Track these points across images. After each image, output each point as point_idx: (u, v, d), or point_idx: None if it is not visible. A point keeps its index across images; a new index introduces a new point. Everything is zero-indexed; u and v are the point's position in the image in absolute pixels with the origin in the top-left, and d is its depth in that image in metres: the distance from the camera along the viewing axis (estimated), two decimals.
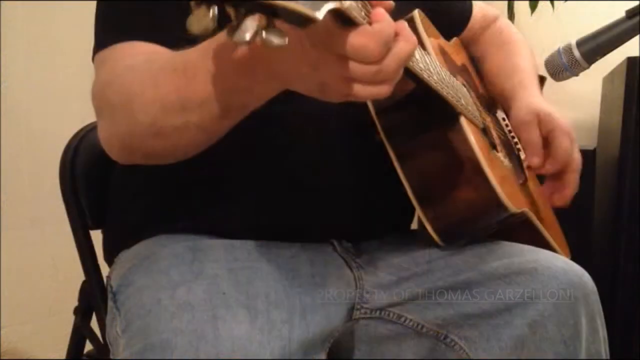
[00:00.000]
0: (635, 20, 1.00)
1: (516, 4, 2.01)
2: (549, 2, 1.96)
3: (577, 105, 2.10)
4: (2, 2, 1.71)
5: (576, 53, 1.03)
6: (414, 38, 0.61)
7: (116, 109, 0.72)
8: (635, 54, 1.56)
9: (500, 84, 1.09)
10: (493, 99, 1.11)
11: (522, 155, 1.09)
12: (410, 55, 0.61)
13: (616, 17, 1.02)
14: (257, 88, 0.63)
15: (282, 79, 0.61)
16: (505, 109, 1.08)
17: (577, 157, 0.99)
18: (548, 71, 1.08)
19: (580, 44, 1.03)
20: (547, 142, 0.98)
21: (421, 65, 0.72)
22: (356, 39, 0.55)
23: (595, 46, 1.03)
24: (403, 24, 0.60)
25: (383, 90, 0.60)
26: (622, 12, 1.02)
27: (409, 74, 0.70)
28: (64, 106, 1.76)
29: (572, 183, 0.98)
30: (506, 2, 2.00)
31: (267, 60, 0.59)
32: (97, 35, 0.80)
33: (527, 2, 1.98)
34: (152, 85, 0.68)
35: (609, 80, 1.89)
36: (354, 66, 0.56)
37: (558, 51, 1.05)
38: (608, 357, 0.85)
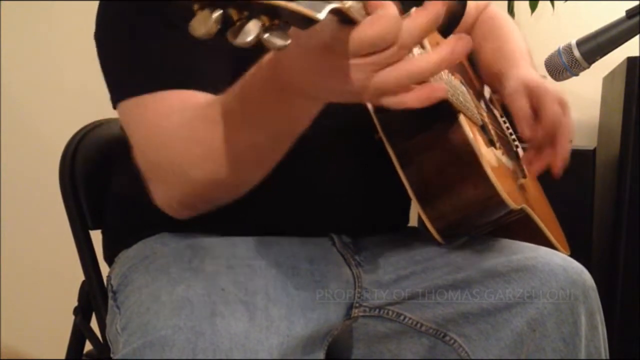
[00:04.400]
0: (635, 20, 1.00)
1: (516, 4, 2.01)
2: (549, 2, 1.96)
3: (577, 105, 2.08)
4: (2, 2, 1.71)
5: (576, 53, 1.03)
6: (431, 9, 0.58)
7: (167, 173, 0.74)
8: (635, 54, 1.56)
9: (494, 67, 1.07)
10: (491, 96, 1.11)
11: (521, 153, 1.09)
12: (430, 24, 0.58)
13: (616, 17, 1.03)
14: (296, 112, 0.65)
15: (313, 95, 0.62)
16: (499, 90, 1.06)
17: (568, 122, 0.96)
18: (548, 71, 1.08)
19: (580, 44, 1.03)
20: (537, 111, 0.96)
21: None
22: (363, 34, 0.54)
23: (595, 46, 1.03)
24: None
25: (409, 71, 0.58)
26: (622, 12, 1.02)
27: None
28: (64, 106, 1.77)
29: (563, 147, 0.95)
30: (506, 2, 2.00)
31: (291, 84, 0.60)
32: (117, 82, 0.78)
33: (527, 2, 1.98)
34: (195, 142, 0.70)
35: (609, 80, 1.89)
36: (373, 58, 0.56)
37: (558, 51, 1.05)
38: (607, 355, 0.86)
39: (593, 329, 0.83)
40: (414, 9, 0.91)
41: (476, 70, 1.13)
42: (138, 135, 0.76)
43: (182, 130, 0.71)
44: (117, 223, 0.93)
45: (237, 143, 0.68)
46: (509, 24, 1.17)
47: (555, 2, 1.97)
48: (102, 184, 0.98)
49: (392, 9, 0.56)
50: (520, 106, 0.96)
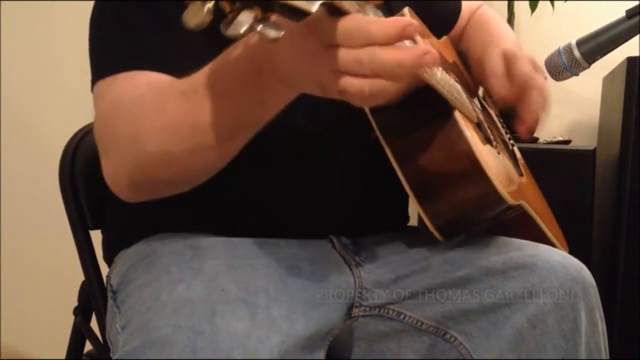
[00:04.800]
0: (635, 20, 1.00)
1: (516, 4, 2.01)
2: (549, 2, 1.96)
3: (577, 105, 2.10)
4: (2, 2, 1.71)
5: (576, 53, 1.03)
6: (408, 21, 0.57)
7: (122, 142, 0.71)
8: (635, 54, 1.56)
9: (479, 55, 1.07)
10: (486, 97, 1.11)
11: (517, 152, 1.09)
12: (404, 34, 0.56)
13: (616, 17, 1.03)
14: (271, 98, 0.63)
15: (290, 82, 0.61)
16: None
17: (540, 82, 0.96)
18: (548, 71, 1.08)
19: (580, 44, 1.03)
20: (509, 72, 0.97)
21: None
22: (344, 22, 0.54)
23: (595, 46, 1.03)
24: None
25: (375, 85, 0.55)
26: (622, 12, 1.02)
27: None
28: (64, 106, 1.77)
29: (532, 104, 0.95)
30: (506, 2, 2.00)
31: (271, 66, 0.59)
32: (95, 65, 0.79)
33: (527, 2, 1.98)
34: (159, 111, 0.67)
35: (609, 80, 1.90)
36: (342, 53, 0.54)
37: (558, 51, 1.05)
38: (607, 351, 0.86)
39: (593, 326, 0.83)
40: (406, 8, 0.92)
41: (470, 70, 1.13)
42: (104, 108, 0.74)
43: (145, 100, 0.69)
44: (117, 223, 0.93)
45: (200, 120, 0.65)
46: (498, 22, 1.17)
47: (555, 2, 1.97)
48: (102, 184, 0.97)
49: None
50: (493, 65, 0.97)
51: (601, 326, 0.85)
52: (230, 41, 0.55)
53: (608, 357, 0.86)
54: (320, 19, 0.54)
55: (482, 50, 1.05)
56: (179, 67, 0.69)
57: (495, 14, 1.20)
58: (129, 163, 0.71)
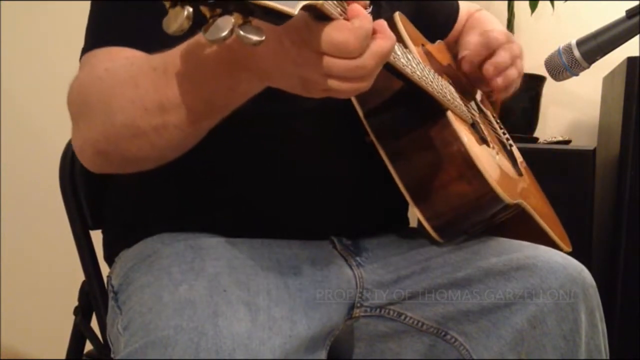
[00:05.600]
0: (635, 20, 1.00)
1: (516, 4, 2.01)
2: (549, 2, 1.96)
3: (577, 105, 2.10)
4: (2, 2, 1.71)
5: (576, 53, 1.03)
6: (392, 35, 0.61)
7: (93, 112, 0.70)
8: (635, 54, 1.56)
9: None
10: (482, 98, 1.11)
11: (516, 152, 1.09)
12: (389, 52, 0.61)
13: (616, 17, 1.03)
14: (240, 87, 0.63)
15: (265, 77, 0.61)
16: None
17: (515, 45, 0.96)
18: (548, 71, 1.08)
19: (580, 44, 1.03)
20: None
21: (403, 60, 0.72)
22: (336, 35, 0.55)
23: (595, 46, 1.03)
24: (382, 22, 0.60)
25: (362, 86, 0.60)
26: (622, 12, 1.02)
27: (391, 69, 0.70)
28: (64, 106, 1.76)
29: (501, 57, 0.94)
30: (506, 2, 2.00)
31: (250, 59, 0.59)
32: (84, 41, 0.80)
33: (527, 2, 1.98)
34: (131, 85, 0.67)
35: (609, 80, 1.90)
36: (333, 62, 0.56)
37: (558, 51, 1.05)
38: (607, 352, 0.86)
39: (593, 327, 0.83)
40: (396, 13, 0.91)
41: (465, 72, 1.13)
42: (80, 78, 0.74)
43: (119, 72, 0.69)
44: (117, 223, 0.93)
45: (167, 98, 0.64)
46: (493, 20, 1.17)
47: (555, 2, 1.97)
48: (102, 184, 0.98)
49: (367, 23, 0.57)
50: (469, 38, 0.97)
51: (601, 327, 0.85)
52: None
53: (608, 358, 0.86)
54: (309, 27, 0.55)
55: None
56: (163, 46, 0.68)
57: (490, 15, 1.19)
58: (98, 132, 0.70)
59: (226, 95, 0.64)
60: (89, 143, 0.72)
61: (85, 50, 0.78)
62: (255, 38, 0.49)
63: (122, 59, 0.72)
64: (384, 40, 0.60)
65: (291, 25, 0.54)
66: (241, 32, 0.49)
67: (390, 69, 0.70)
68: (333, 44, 0.56)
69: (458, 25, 1.16)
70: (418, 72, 0.76)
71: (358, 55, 0.57)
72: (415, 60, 0.77)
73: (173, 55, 0.64)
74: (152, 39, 0.67)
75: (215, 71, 0.62)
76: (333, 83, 0.58)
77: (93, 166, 0.75)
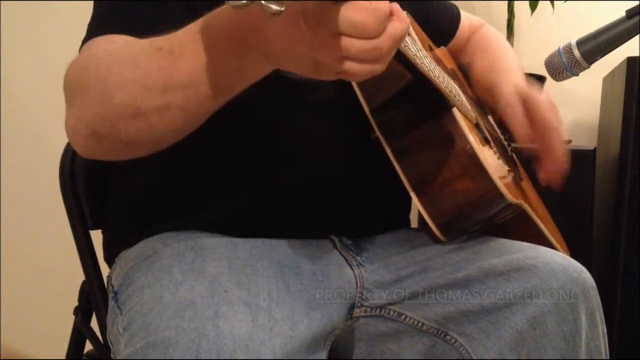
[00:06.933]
0: (635, 20, 1.00)
1: (516, 4, 2.01)
2: (549, 2, 1.96)
3: (577, 105, 2.10)
4: (2, 2, 1.71)
5: (576, 53, 1.03)
6: (406, 18, 0.60)
7: (90, 91, 0.68)
8: (635, 54, 1.56)
9: (486, 81, 1.07)
10: (482, 103, 1.12)
11: (515, 157, 1.09)
12: (405, 34, 0.60)
13: (616, 17, 1.03)
14: (249, 69, 0.62)
15: (276, 60, 0.60)
16: (491, 103, 1.06)
17: (560, 125, 0.97)
18: (548, 71, 1.08)
19: (580, 44, 1.03)
20: (530, 116, 0.96)
21: (412, 50, 0.72)
22: (355, 15, 0.54)
23: (595, 46, 1.03)
24: (395, 5, 0.60)
25: (376, 69, 0.59)
26: (622, 12, 1.02)
27: (402, 58, 0.70)
28: (64, 106, 1.76)
29: (555, 147, 0.96)
30: (506, 2, 2.00)
31: (261, 41, 0.59)
32: (86, 32, 0.79)
33: (527, 2, 1.98)
34: (132, 64, 0.65)
35: (609, 80, 1.90)
36: (350, 42, 0.56)
37: (558, 51, 1.05)
38: (607, 353, 0.86)
39: (593, 327, 0.83)
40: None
41: (468, 81, 1.14)
42: (78, 61, 0.73)
43: (120, 53, 0.68)
44: (117, 223, 0.93)
45: (172, 78, 0.63)
46: (501, 42, 1.17)
47: (555, 2, 1.97)
48: (102, 184, 0.98)
49: (384, 5, 0.56)
50: (513, 108, 0.96)
51: (601, 327, 0.85)
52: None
53: (608, 358, 0.86)
54: (326, 9, 0.54)
55: (490, 77, 1.05)
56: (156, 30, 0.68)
57: (499, 35, 1.20)
58: (94, 113, 0.68)
59: (233, 76, 0.63)
60: (83, 123, 0.69)
61: (85, 40, 0.77)
62: (275, 7, 0.48)
63: (122, 42, 0.71)
64: (400, 22, 0.59)
65: (307, 9, 0.53)
66: (262, 1, 0.48)
67: (400, 58, 0.69)
68: (352, 24, 0.55)
69: (460, 34, 1.16)
70: (426, 64, 0.76)
71: (376, 36, 0.56)
72: (422, 53, 0.77)
73: (180, 36, 0.64)
74: (154, 29, 0.67)
75: (224, 51, 0.61)
76: (348, 65, 0.57)
77: (84, 149, 0.72)
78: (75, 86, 0.70)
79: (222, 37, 0.60)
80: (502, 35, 1.20)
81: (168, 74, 0.64)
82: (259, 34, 0.58)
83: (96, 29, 0.77)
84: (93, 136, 0.69)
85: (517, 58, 1.13)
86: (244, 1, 0.47)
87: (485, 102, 1.10)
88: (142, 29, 0.71)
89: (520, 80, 1.03)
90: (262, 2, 0.48)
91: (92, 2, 0.81)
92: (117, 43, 0.71)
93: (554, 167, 0.97)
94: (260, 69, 0.63)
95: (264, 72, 0.64)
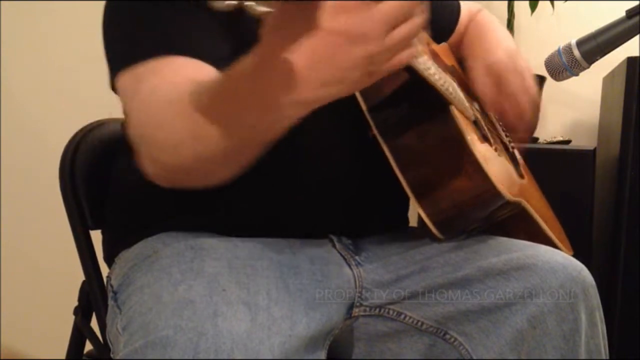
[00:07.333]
0: (635, 20, 1.00)
1: (516, 4, 2.01)
2: (549, 2, 1.96)
3: (577, 105, 2.10)
4: (2, 2, 1.71)
5: (576, 53, 1.03)
6: None
7: (154, 148, 0.71)
8: (635, 54, 1.56)
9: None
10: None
11: (518, 155, 1.09)
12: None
13: (616, 17, 1.03)
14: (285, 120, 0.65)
15: (318, 92, 0.60)
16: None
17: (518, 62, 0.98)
18: (548, 71, 1.08)
19: (580, 43, 1.04)
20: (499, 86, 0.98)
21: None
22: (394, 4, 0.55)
23: (595, 46, 1.03)
24: None
25: (412, 53, 0.60)
26: (622, 12, 1.02)
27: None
28: (64, 106, 1.77)
29: (523, 106, 0.98)
30: (506, 2, 2.00)
31: (289, 84, 0.58)
32: (115, 56, 0.78)
33: (527, 2, 1.98)
34: (187, 121, 0.67)
35: (609, 80, 1.90)
36: (399, 33, 0.57)
37: (558, 51, 1.05)
38: (607, 352, 0.86)
39: (593, 327, 0.83)
40: None
41: (468, 75, 1.13)
42: (131, 108, 0.74)
43: (173, 107, 0.68)
44: (117, 223, 0.93)
45: (230, 125, 0.65)
46: (495, 27, 1.17)
47: (555, 2, 1.97)
48: (102, 184, 0.98)
49: None
50: (480, 83, 0.99)
51: (601, 327, 0.85)
52: (245, 25, 0.57)
53: (608, 358, 0.86)
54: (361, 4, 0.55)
55: (482, 60, 1.06)
56: (198, 50, 0.72)
57: (493, 18, 1.19)
58: (163, 165, 0.72)
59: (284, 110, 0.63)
60: (160, 175, 0.74)
61: (120, 68, 0.76)
62: (263, 8, 0.48)
63: (169, 84, 0.71)
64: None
65: (347, 27, 0.54)
66: (248, 3, 0.48)
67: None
68: (394, 6, 0.55)
69: (460, 27, 1.16)
70: (422, 62, 0.77)
71: (411, 16, 0.57)
72: (419, 53, 0.77)
73: (214, 90, 0.65)
74: (185, 41, 0.71)
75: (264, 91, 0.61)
76: (398, 57, 0.58)
77: (171, 186, 0.76)
78: (138, 141, 0.72)
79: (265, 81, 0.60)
80: (495, 19, 1.20)
81: (226, 124, 0.65)
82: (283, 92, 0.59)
83: (133, 54, 0.75)
84: (173, 182, 0.75)
85: (507, 35, 1.13)
86: (232, 2, 0.47)
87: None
88: (177, 46, 0.73)
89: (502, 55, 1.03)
90: (251, 3, 0.47)
91: (92, 2, 0.81)
92: (162, 89, 0.71)
93: (522, 131, 0.98)
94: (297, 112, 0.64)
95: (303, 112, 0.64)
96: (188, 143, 0.67)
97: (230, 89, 0.63)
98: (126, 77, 0.76)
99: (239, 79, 0.62)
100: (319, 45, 0.56)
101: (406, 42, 0.59)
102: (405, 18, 0.57)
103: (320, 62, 0.57)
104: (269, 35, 0.57)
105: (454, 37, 1.16)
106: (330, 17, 0.54)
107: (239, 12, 0.48)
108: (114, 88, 0.79)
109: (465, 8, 1.18)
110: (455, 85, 0.92)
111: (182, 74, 0.72)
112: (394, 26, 0.56)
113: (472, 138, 0.83)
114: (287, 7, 0.53)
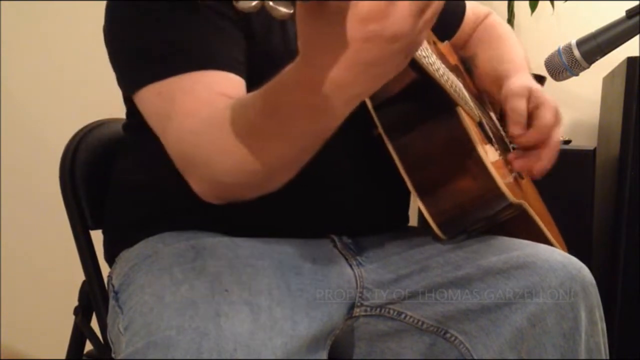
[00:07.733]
0: (635, 20, 1.00)
1: (516, 4, 2.01)
2: (549, 2, 1.96)
3: (577, 105, 2.10)
4: (2, 2, 1.71)
5: (576, 53, 1.03)
6: None
7: (198, 170, 0.73)
8: (635, 54, 1.57)
9: (493, 71, 1.06)
10: (484, 98, 1.11)
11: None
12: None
13: (616, 17, 1.03)
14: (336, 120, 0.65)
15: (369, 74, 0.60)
16: (496, 95, 1.04)
17: (557, 137, 0.97)
18: (548, 71, 1.08)
19: (580, 44, 1.04)
20: (532, 117, 0.96)
21: (421, 52, 0.72)
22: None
23: (595, 46, 1.03)
24: None
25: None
26: (622, 12, 1.02)
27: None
28: (64, 106, 1.77)
29: (546, 158, 0.95)
30: (506, 2, 2.00)
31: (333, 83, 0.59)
32: (136, 67, 0.78)
33: (527, 2, 1.98)
34: (228, 153, 0.69)
35: (609, 80, 1.90)
36: (425, 21, 0.57)
37: (558, 51, 1.05)
38: (607, 350, 0.86)
39: (593, 325, 0.83)
40: None
41: (472, 77, 1.13)
42: (169, 133, 0.75)
43: (224, 131, 0.68)
44: (117, 223, 0.93)
45: (270, 150, 0.68)
46: (508, 33, 1.17)
47: (555, 2, 1.97)
48: (102, 184, 0.98)
49: None
50: (518, 106, 0.95)
51: (601, 325, 0.85)
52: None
53: (608, 357, 0.86)
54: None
55: (493, 64, 1.05)
56: (218, 59, 0.73)
57: (504, 23, 1.19)
58: (208, 185, 0.74)
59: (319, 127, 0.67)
60: (207, 193, 0.75)
61: (143, 82, 0.75)
62: (284, 10, 0.48)
63: (205, 106, 0.72)
64: None
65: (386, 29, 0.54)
66: (271, 3, 0.48)
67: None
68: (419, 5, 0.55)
69: (464, 27, 1.16)
70: (432, 62, 0.76)
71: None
72: (428, 52, 0.77)
73: (259, 107, 0.66)
74: (211, 52, 0.72)
75: (299, 111, 0.63)
76: (424, 24, 0.57)
77: (216, 202, 0.77)
78: (182, 163, 0.75)
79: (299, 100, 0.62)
80: (508, 25, 1.20)
81: (265, 151, 0.69)
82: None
83: (159, 69, 0.74)
84: (220, 199, 0.76)
85: (523, 49, 1.13)
86: (253, 4, 0.47)
87: (489, 94, 1.09)
88: (204, 58, 0.73)
89: (529, 75, 1.02)
90: (271, 3, 0.48)
91: (92, 2, 0.81)
92: (200, 112, 0.72)
93: (540, 170, 0.96)
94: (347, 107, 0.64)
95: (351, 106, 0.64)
96: (251, 162, 0.68)
97: (280, 102, 0.64)
98: (151, 94, 0.76)
99: (290, 91, 0.62)
100: (358, 55, 0.56)
101: (433, 20, 0.59)
102: (427, 3, 0.56)
103: (363, 67, 0.58)
104: (306, 50, 0.58)
105: (459, 36, 1.16)
106: (360, 27, 0.54)
107: (248, 16, 0.48)
108: (129, 95, 0.79)
109: (470, 8, 1.17)
110: (461, 85, 0.92)
111: (215, 91, 0.73)
112: (421, 14, 0.56)
113: (478, 139, 0.83)
114: (315, 22, 0.54)
